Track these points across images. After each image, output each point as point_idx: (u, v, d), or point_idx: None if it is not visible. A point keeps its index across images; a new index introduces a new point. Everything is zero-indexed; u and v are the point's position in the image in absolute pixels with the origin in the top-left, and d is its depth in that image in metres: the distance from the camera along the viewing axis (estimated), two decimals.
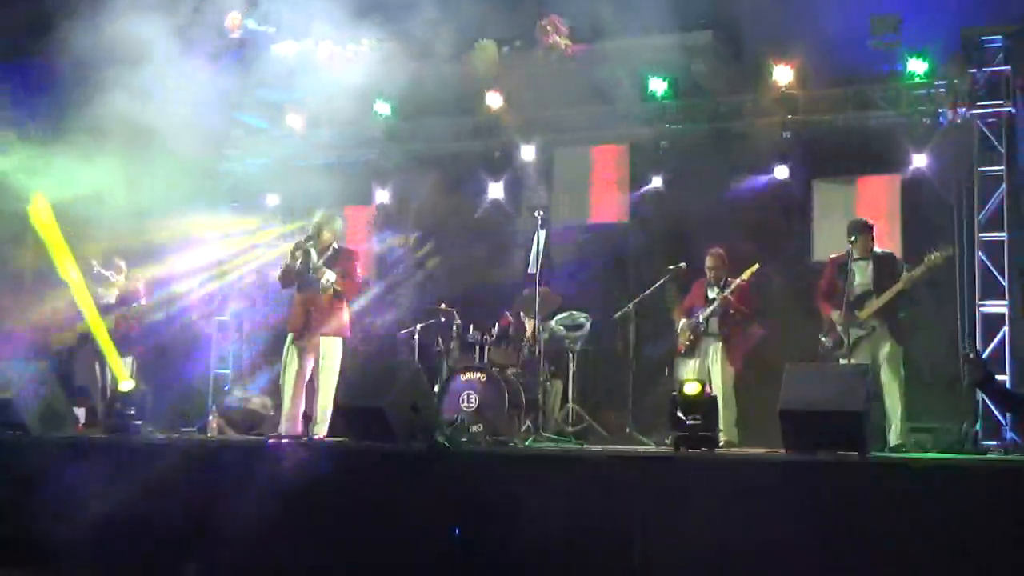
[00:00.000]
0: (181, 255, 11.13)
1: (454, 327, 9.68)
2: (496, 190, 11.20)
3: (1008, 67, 9.08)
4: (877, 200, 9.71)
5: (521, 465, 6.69)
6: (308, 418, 8.31)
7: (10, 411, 8.00)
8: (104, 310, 9.61)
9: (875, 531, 5.52)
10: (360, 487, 6.64)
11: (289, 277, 8.44)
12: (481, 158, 11.18)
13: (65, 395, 8.76)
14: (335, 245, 8.47)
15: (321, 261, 8.30)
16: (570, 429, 9.00)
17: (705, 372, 8.83)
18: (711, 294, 9.00)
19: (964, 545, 5.35)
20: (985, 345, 8.80)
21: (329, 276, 8.20)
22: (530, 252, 9.13)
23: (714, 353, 8.89)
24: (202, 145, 10.07)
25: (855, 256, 8.17)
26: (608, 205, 10.96)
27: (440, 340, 9.78)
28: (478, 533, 6.26)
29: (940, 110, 9.45)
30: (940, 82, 9.39)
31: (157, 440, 8.00)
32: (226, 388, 11.22)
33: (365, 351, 9.95)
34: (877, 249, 8.31)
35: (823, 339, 8.22)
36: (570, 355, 9.42)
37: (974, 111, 9.23)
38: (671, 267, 9.29)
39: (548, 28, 10.34)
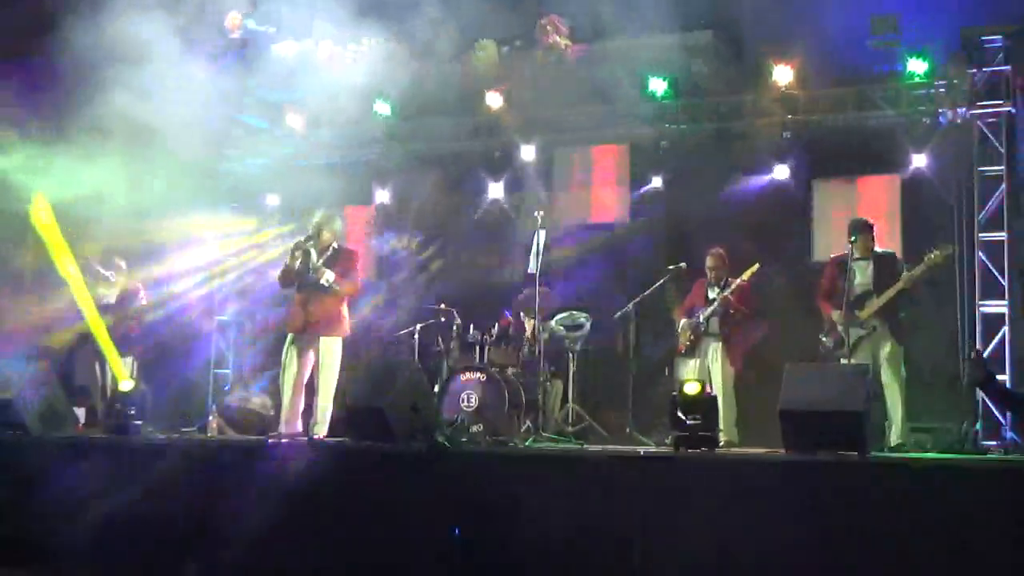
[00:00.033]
0: (181, 255, 11.13)
1: (454, 327, 9.68)
2: (496, 190, 11.20)
3: (1008, 67, 9.08)
4: (877, 200, 9.72)
5: (521, 465, 6.68)
6: (308, 418, 8.31)
7: (10, 411, 7.99)
8: (104, 310, 9.61)
9: (875, 531, 5.51)
10: (360, 487, 6.64)
11: (289, 277, 8.45)
12: (481, 158, 11.18)
13: (65, 395, 8.76)
14: (335, 245, 8.48)
15: (321, 261, 8.30)
16: (570, 429, 9.00)
17: (705, 372, 8.83)
18: (711, 294, 9.00)
19: (964, 545, 5.35)
20: (985, 345, 8.80)
21: (328, 276, 8.20)
22: (530, 252, 9.12)
23: (714, 353, 8.89)
24: (202, 145, 10.08)
25: (856, 256, 8.17)
26: (608, 205, 10.97)
27: (440, 340, 9.78)
28: (478, 533, 6.25)
29: (940, 110, 9.46)
30: (940, 82, 9.39)
31: (157, 440, 7.99)
32: (226, 388, 11.22)
33: (365, 351, 9.94)
34: (878, 249, 8.31)
35: (824, 339, 8.22)
36: (570, 355, 9.42)
37: (974, 111, 9.23)
38: (671, 267, 9.30)
39: (548, 28, 10.34)
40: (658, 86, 10.11)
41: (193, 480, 7.04)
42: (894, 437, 7.88)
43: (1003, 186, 9.07)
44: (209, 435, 9.39)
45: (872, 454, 6.22)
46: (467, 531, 6.26)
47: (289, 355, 8.35)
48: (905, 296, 8.03)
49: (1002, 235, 9.02)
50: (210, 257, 11.51)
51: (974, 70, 9.17)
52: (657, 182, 10.55)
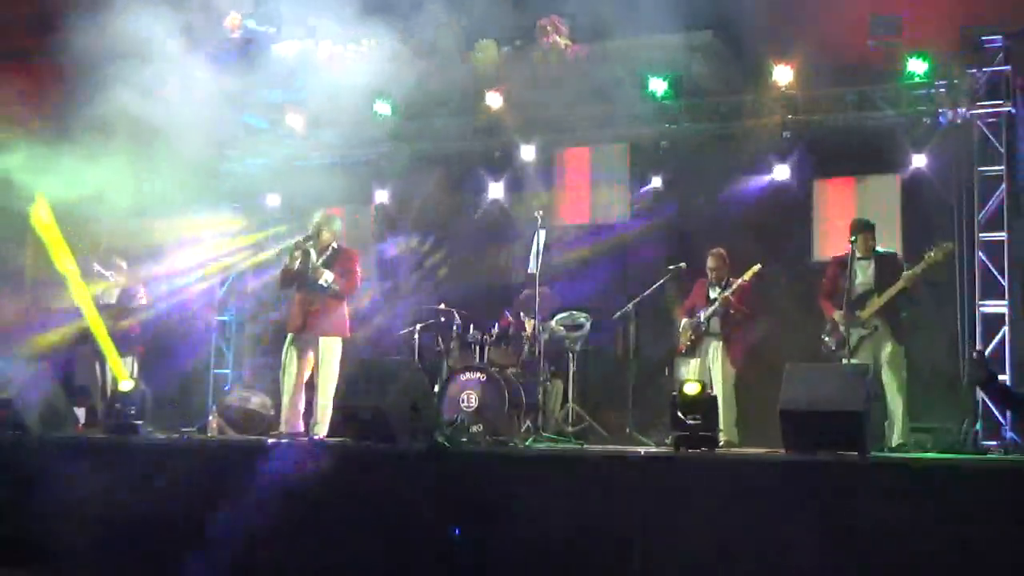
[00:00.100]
0: (181, 255, 11.13)
1: (454, 327, 9.69)
2: (496, 190, 11.20)
3: (1008, 67, 9.08)
4: (877, 200, 9.72)
5: (521, 465, 6.68)
6: (308, 418, 8.32)
7: (10, 411, 7.99)
8: (104, 310, 9.62)
9: (875, 531, 5.51)
10: (360, 487, 6.64)
11: (288, 277, 8.46)
12: (481, 158, 11.17)
13: (65, 395, 8.76)
14: (334, 245, 8.49)
15: (320, 261, 8.31)
16: (570, 429, 9.00)
17: (706, 372, 8.84)
18: (712, 294, 9.00)
19: (964, 545, 5.35)
20: (985, 345, 8.80)
21: (328, 276, 8.21)
22: (530, 252, 9.12)
23: (715, 353, 8.89)
24: (202, 145, 10.07)
25: (857, 255, 8.17)
26: (608, 205, 10.96)
27: (440, 340, 9.78)
28: (478, 533, 6.26)
29: (940, 110, 9.45)
30: (940, 82, 9.38)
31: (157, 440, 8.00)
32: (226, 388, 11.21)
33: (365, 351, 9.94)
34: (879, 248, 8.31)
35: (826, 339, 8.21)
36: (570, 355, 9.42)
37: (974, 111, 9.23)
38: (671, 267, 9.30)
39: (548, 28, 10.34)
40: (658, 86, 10.11)
41: (193, 480, 7.04)
42: (894, 437, 7.88)
43: (1003, 186, 9.07)
44: (209, 435, 9.39)
45: (872, 454, 6.22)
46: (467, 531, 6.26)
47: (289, 355, 8.36)
48: (906, 296, 8.03)
49: (1002, 235, 9.02)
50: (210, 257, 11.50)
51: (974, 70, 9.17)
52: (657, 182, 10.54)
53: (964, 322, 9.16)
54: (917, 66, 9.28)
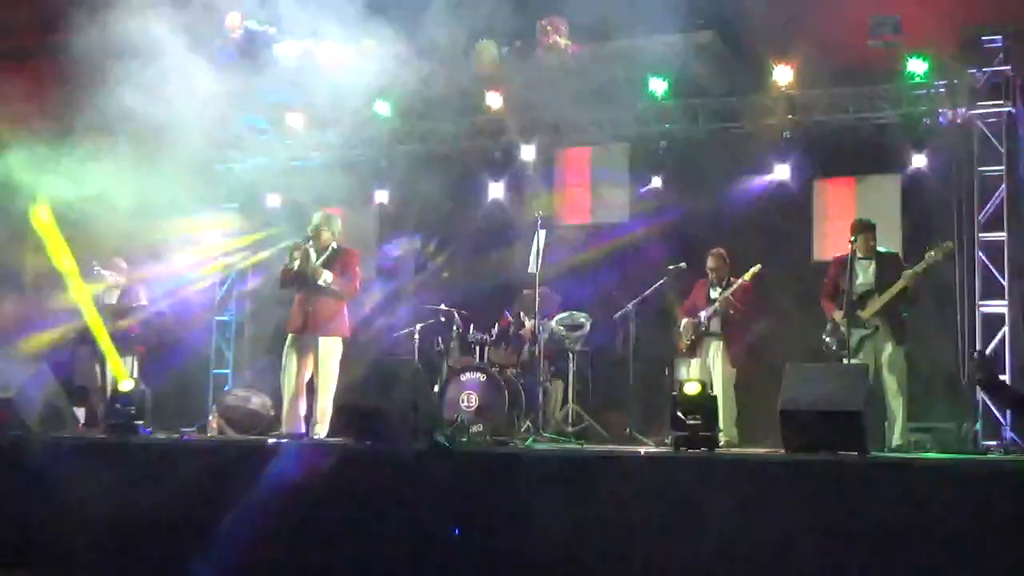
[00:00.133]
0: (181, 255, 11.13)
1: (454, 327, 9.69)
2: (496, 190, 11.19)
3: (1008, 67, 9.08)
4: (877, 200, 9.72)
5: (521, 465, 6.68)
6: (308, 418, 8.32)
7: (10, 411, 7.99)
8: (105, 310, 9.62)
9: (875, 531, 5.52)
10: (360, 487, 6.64)
11: (288, 277, 8.46)
12: (481, 158, 11.17)
13: (65, 395, 8.76)
14: (334, 245, 8.49)
15: (320, 261, 8.32)
16: (570, 429, 9.00)
17: (706, 372, 8.84)
18: (713, 294, 9.01)
19: (964, 545, 5.35)
20: (985, 345, 8.80)
21: (327, 276, 8.22)
22: (530, 252, 9.12)
23: (715, 353, 8.90)
24: (203, 145, 10.07)
25: (858, 255, 8.17)
26: (608, 205, 10.96)
27: (440, 340, 9.79)
28: (478, 533, 6.26)
29: (940, 110, 9.45)
30: (940, 82, 9.39)
31: (157, 440, 8.00)
32: (226, 388, 11.21)
33: (365, 351, 9.94)
34: (881, 248, 8.31)
35: (827, 339, 8.19)
36: (570, 355, 9.42)
37: (974, 111, 9.23)
38: (671, 267, 9.30)
39: (548, 28, 10.33)
40: (658, 86, 10.11)
41: (193, 480, 7.03)
42: (894, 437, 7.88)
43: (1003, 186, 9.07)
44: (209, 435, 9.40)
45: (872, 454, 6.23)
46: (467, 531, 6.26)
47: (289, 355, 8.37)
48: (906, 295, 8.03)
49: (1002, 235, 9.01)
50: (210, 257, 11.50)
51: (974, 70, 9.17)
52: (657, 182, 10.54)
53: (964, 322, 9.15)
54: (917, 66, 9.28)
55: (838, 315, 8.07)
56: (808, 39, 9.33)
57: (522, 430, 8.67)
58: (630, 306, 9.18)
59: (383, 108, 10.88)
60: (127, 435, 7.88)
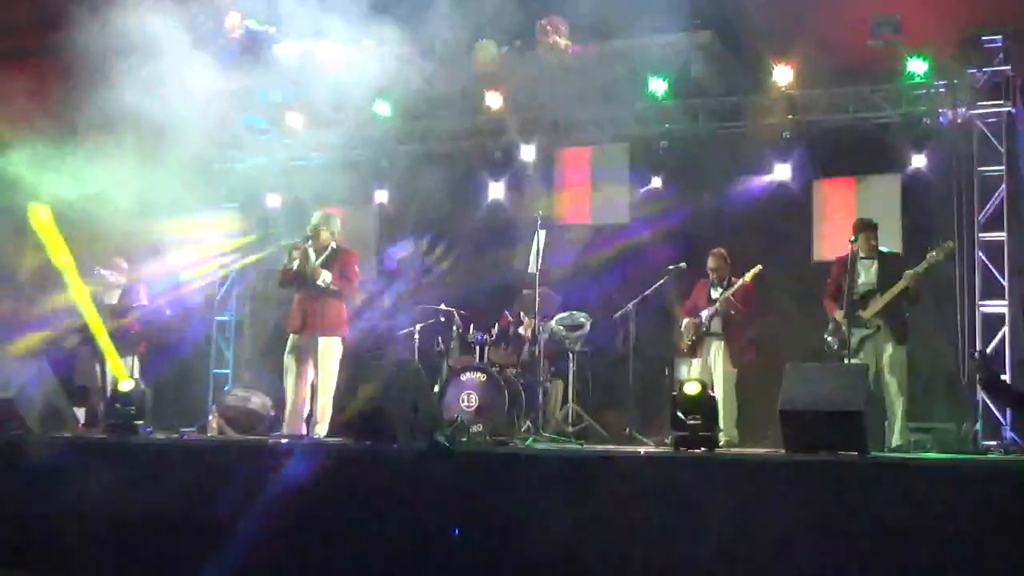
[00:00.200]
0: (181, 255, 11.13)
1: (454, 327, 9.70)
2: (496, 190, 11.19)
3: (1008, 67, 9.08)
4: (877, 200, 9.71)
5: (521, 465, 6.68)
6: (309, 418, 8.32)
7: (10, 411, 7.99)
8: (105, 310, 9.61)
9: (875, 531, 5.51)
10: (360, 487, 6.64)
11: (287, 277, 8.47)
12: (481, 158, 11.17)
13: (65, 395, 8.75)
14: (333, 245, 8.49)
15: (319, 261, 8.32)
16: (570, 429, 9.01)
17: (707, 371, 8.84)
18: (714, 294, 9.00)
19: (964, 545, 5.35)
20: (985, 345, 8.80)
21: (326, 277, 8.22)
22: (530, 252, 9.12)
23: (716, 352, 8.90)
24: (203, 145, 10.07)
25: (860, 255, 8.16)
26: (608, 205, 10.96)
27: (440, 340, 9.79)
28: (478, 533, 6.26)
29: (940, 110, 9.45)
30: (940, 82, 9.39)
31: (157, 440, 8.00)
32: (226, 388, 11.21)
33: (365, 351, 9.94)
34: (883, 248, 8.30)
35: (828, 339, 8.17)
36: (570, 355, 9.42)
37: (974, 111, 9.24)
38: (671, 267, 9.30)
39: (548, 28, 10.34)
40: (658, 86, 10.11)
41: (193, 480, 7.03)
42: (894, 437, 7.88)
43: (1003, 186, 9.07)
44: (209, 435, 9.40)
45: (872, 454, 6.23)
46: (467, 531, 6.26)
47: (290, 357, 8.38)
48: (908, 295, 8.02)
49: (1002, 235, 9.01)
50: (210, 257, 11.50)
51: (974, 70, 9.17)
52: (657, 182, 10.54)
53: (964, 322, 9.15)
54: (917, 66, 9.28)
55: (839, 314, 8.07)
56: (808, 39, 9.33)
57: (522, 430, 8.67)
58: (630, 306, 9.18)
59: (383, 108, 10.88)
60: (127, 435, 7.88)
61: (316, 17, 9.82)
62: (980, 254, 9.03)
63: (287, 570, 6.58)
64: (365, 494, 6.58)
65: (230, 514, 6.59)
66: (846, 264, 8.13)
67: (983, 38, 9.11)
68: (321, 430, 8.16)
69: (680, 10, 9.47)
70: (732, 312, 8.84)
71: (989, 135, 9.16)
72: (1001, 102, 9.12)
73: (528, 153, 10.87)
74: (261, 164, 11.80)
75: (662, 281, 9.25)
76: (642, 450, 7.43)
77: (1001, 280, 8.95)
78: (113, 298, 9.81)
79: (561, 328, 9.56)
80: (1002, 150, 9.11)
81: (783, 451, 6.32)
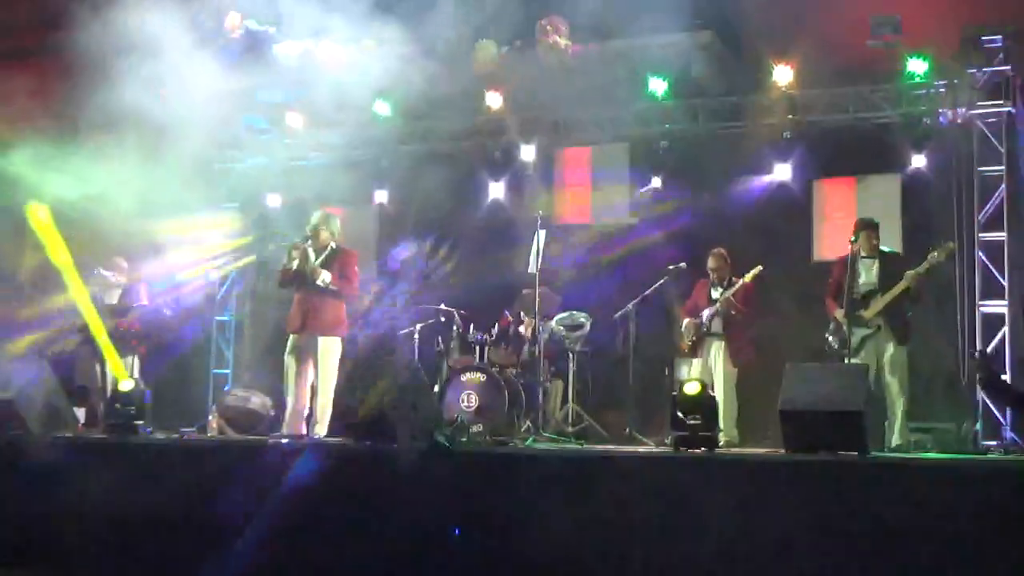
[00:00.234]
0: (182, 254, 11.13)
1: (454, 327, 9.69)
2: (496, 190, 11.19)
3: (1008, 67, 9.08)
4: (877, 200, 9.71)
5: (521, 465, 6.68)
6: (309, 418, 8.32)
7: (10, 411, 7.99)
8: (105, 310, 9.61)
9: (875, 531, 5.51)
10: (360, 487, 6.64)
11: (287, 277, 8.47)
12: (481, 158, 11.17)
13: (65, 395, 8.75)
14: (332, 245, 8.49)
15: (318, 261, 8.32)
16: (570, 429, 9.01)
17: (707, 372, 8.84)
18: (715, 294, 9.00)
19: (964, 545, 5.35)
20: (985, 345, 8.80)
21: (325, 276, 8.22)
22: (530, 252, 9.12)
23: (716, 352, 8.89)
24: (203, 145, 10.07)
25: (862, 254, 8.16)
26: (608, 205, 10.96)
27: (440, 340, 9.79)
28: (478, 533, 6.26)
29: (940, 110, 9.45)
30: (940, 82, 9.39)
31: (157, 440, 8.00)
32: (226, 388, 11.21)
33: (365, 351, 9.94)
34: (884, 248, 8.30)
35: (829, 338, 8.17)
36: (570, 355, 9.42)
37: (974, 111, 9.23)
38: (671, 267, 9.30)
39: (548, 28, 10.34)
40: (658, 86, 10.11)
41: (193, 480, 7.03)
42: (894, 437, 7.88)
43: (1003, 186, 9.07)
44: (209, 435, 9.40)
45: (872, 454, 6.23)
46: (467, 531, 6.26)
47: (290, 358, 8.37)
48: (909, 295, 8.02)
49: (1002, 235, 9.01)
50: (210, 257, 11.50)
51: (974, 70, 9.17)
52: (657, 182, 10.53)
53: (964, 322, 9.15)
54: (917, 66, 9.28)
55: (839, 314, 8.07)
56: (808, 39, 9.33)
57: (522, 430, 8.67)
58: (630, 306, 9.18)
59: (383, 108, 10.89)
60: (127, 435, 7.88)
61: (316, 17, 9.82)
62: (980, 254, 9.03)
63: (287, 570, 6.58)
64: (365, 494, 6.58)
65: (230, 514, 6.59)
66: (847, 264, 8.13)
67: (983, 38, 9.11)
68: (321, 430, 8.16)
69: (680, 10, 9.47)
70: (733, 312, 8.84)
71: (989, 135, 9.16)
72: (1001, 102, 9.12)
73: (528, 153, 10.87)
74: (261, 164, 11.80)
75: (662, 281, 9.25)
76: (642, 450, 7.43)
77: (1001, 280, 8.95)
78: (113, 298, 9.81)
79: (561, 328, 9.56)
80: (1002, 150, 9.11)
81: (783, 451, 6.32)
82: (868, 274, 8.16)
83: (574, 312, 9.69)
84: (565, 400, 9.43)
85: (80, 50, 8.88)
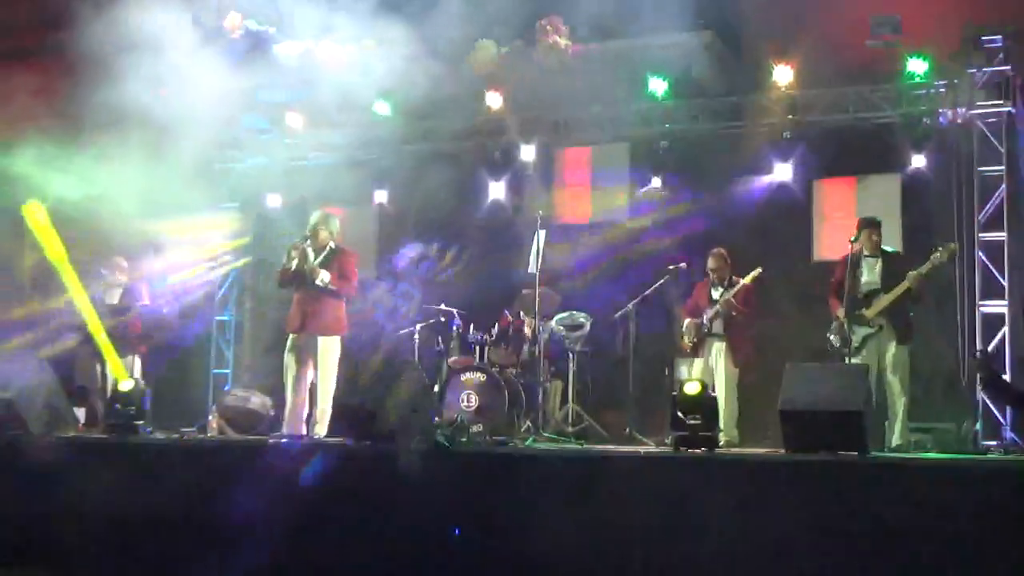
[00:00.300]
0: (182, 255, 11.14)
1: (454, 327, 9.69)
2: (496, 190, 11.19)
3: (1008, 67, 9.08)
4: (877, 200, 9.72)
5: (521, 465, 6.68)
6: (308, 418, 8.32)
7: (10, 411, 7.99)
8: (106, 310, 9.61)
9: (875, 531, 5.51)
10: (360, 487, 6.64)
11: (286, 277, 8.47)
12: (481, 158, 11.17)
13: (65, 395, 8.75)
14: (332, 245, 8.49)
15: (317, 261, 8.31)
16: (570, 429, 9.00)
17: (708, 372, 8.83)
18: (715, 294, 8.99)
19: (964, 545, 5.35)
20: (985, 345, 8.80)
21: (324, 276, 8.21)
22: (530, 252, 9.12)
23: (717, 353, 8.89)
24: (204, 145, 10.07)
25: (865, 253, 8.16)
26: (608, 205, 10.96)
27: (440, 340, 9.79)
28: (478, 533, 6.26)
29: (940, 110, 9.45)
30: (940, 82, 9.39)
31: (157, 440, 8.00)
32: (226, 388, 11.21)
33: (365, 351, 9.94)
34: (887, 247, 8.30)
35: (831, 337, 8.15)
36: (570, 355, 9.42)
37: (974, 111, 9.24)
38: (671, 267, 9.30)
39: (548, 28, 10.34)
40: (658, 86, 10.11)
41: (193, 480, 7.03)
42: (894, 437, 7.87)
43: (1003, 186, 9.07)
44: (209, 435, 9.39)
45: (872, 454, 6.22)
46: (467, 531, 6.26)
47: (290, 357, 8.37)
48: (911, 296, 8.02)
49: (1002, 235, 9.02)
50: (210, 256, 11.51)
51: (974, 70, 9.17)
52: (657, 182, 10.53)
53: (964, 322, 9.15)
54: (917, 66, 9.28)
55: (840, 312, 8.06)
56: (808, 39, 9.33)
57: (522, 430, 8.67)
58: (630, 306, 9.18)
59: (383, 108, 10.89)
60: (127, 435, 7.87)
61: (316, 17, 9.83)
62: (980, 254, 9.03)
63: (287, 570, 6.57)
64: (365, 494, 6.58)
65: (230, 514, 6.59)
66: (850, 262, 8.12)
67: (983, 38, 9.12)
68: (321, 430, 8.16)
69: (680, 10, 9.47)
70: (733, 314, 8.84)
71: (989, 135, 9.16)
72: (1001, 102, 9.12)
73: (528, 153, 10.87)
74: (261, 164, 11.80)
75: (662, 281, 9.25)
76: (642, 450, 7.43)
77: (1001, 280, 8.95)
78: (114, 297, 9.81)
79: (561, 328, 9.56)
80: (1002, 150, 9.11)
81: (783, 451, 6.31)
82: (871, 273, 8.16)
83: (574, 312, 9.70)
84: (565, 400, 9.43)
85: (80, 50, 8.88)
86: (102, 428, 8.43)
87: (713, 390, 8.01)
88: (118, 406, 8.11)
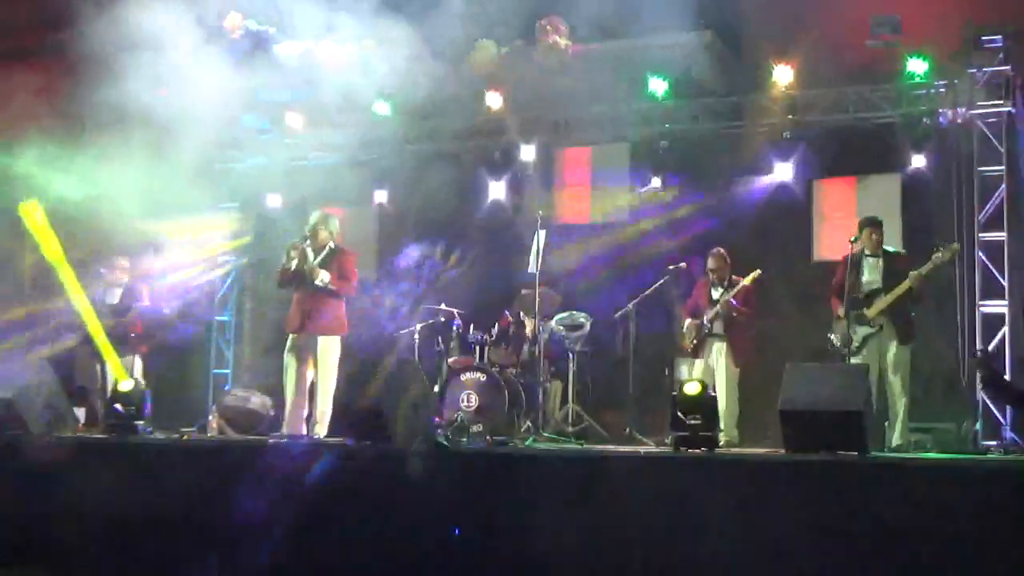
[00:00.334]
0: (182, 254, 11.14)
1: (454, 327, 9.69)
2: (496, 190, 11.19)
3: (1008, 67, 9.08)
4: (877, 200, 9.71)
5: (521, 465, 6.68)
6: (308, 418, 8.32)
7: (10, 411, 7.99)
8: (106, 310, 9.61)
9: (875, 531, 5.51)
10: (360, 487, 6.64)
11: (286, 277, 8.47)
12: (481, 158, 11.17)
13: (65, 395, 8.75)
14: (331, 245, 8.49)
15: (317, 261, 8.31)
16: (570, 429, 9.00)
17: (709, 372, 8.83)
18: (715, 294, 8.99)
19: (964, 545, 5.35)
20: (985, 345, 8.80)
21: (323, 276, 8.22)
22: (530, 252, 9.12)
23: (718, 353, 8.89)
24: (204, 145, 10.07)
25: (866, 253, 8.16)
26: (608, 205, 10.96)
27: (440, 340, 9.79)
28: (478, 533, 6.26)
29: (940, 110, 9.45)
30: (940, 82, 9.39)
31: (157, 440, 8.00)
32: (226, 388, 11.21)
33: (365, 351, 9.93)
34: (888, 247, 8.30)
35: (832, 337, 8.16)
36: (570, 355, 9.42)
37: (974, 111, 9.23)
38: (671, 267, 9.30)
39: (548, 28, 10.34)
40: (658, 86, 10.11)
41: (193, 480, 7.04)
42: (894, 437, 7.87)
43: (1003, 186, 9.06)
44: (209, 435, 9.40)
45: (872, 454, 6.22)
46: (467, 531, 6.26)
47: (290, 357, 8.38)
48: (912, 296, 8.01)
49: (1002, 235, 9.01)
50: (210, 256, 11.51)
51: (974, 70, 9.17)
52: (657, 182, 10.53)
53: (964, 322, 9.15)
54: (917, 66, 9.28)
55: (841, 312, 8.05)
56: (808, 39, 9.33)
57: (522, 430, 8.68)
58: (630, 306, 9.18)
59: (383, 108, 10.88)
60: (127, 435, 7.87)
61: (317, 17, 9.82)
62: (980, 254, 9.02)
63: (287, 570, 6.58)
64: (365, 494, 6.58)
65: (230, 514, 6.59)
66: (851, 262, 8.12)
67: (983, 38, 9.11)
68: (321, 430, 8.16)
69: (681, 10, 9.48)
70: (733, 314, 8.84)
71: (989, 135, 9.16)
72: (1001, 102, 9.12)
73: (528, 153, 10.87)
74: (261, 164, 11.80)
75: (662, 281, 9.25)
76: (642, 450, 7.43)
77: (1001, 280, 8.95)
78: (115, 297, 9.81)
79: (561, 328, 9.56)
80: (1002, 150, 9.11)
81: (783, 451, 6.31)
82: (872, 273, 8.16)
83: (574, 312, 9.70)
84: (565, 400, 9.43)
85: (81, 50, 8.88)
86: (102, 428, 8.43)
87: (713, 390, 8.00)
88: (118, 406, 8.12)
